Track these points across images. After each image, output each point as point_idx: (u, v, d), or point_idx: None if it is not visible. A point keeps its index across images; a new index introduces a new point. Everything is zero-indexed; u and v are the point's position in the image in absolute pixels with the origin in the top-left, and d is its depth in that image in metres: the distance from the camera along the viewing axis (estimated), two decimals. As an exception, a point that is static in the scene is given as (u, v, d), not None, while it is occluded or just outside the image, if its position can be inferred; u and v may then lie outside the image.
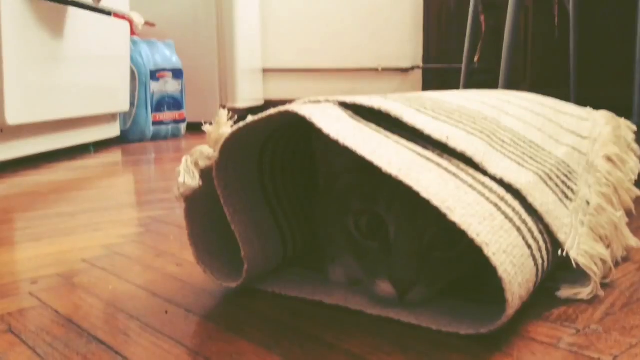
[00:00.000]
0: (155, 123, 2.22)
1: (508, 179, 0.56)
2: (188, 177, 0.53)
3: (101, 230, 0.84)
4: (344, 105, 0.58)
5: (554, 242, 0.56)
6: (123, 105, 2.04)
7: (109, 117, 1.99)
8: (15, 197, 1.15)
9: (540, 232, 0.54)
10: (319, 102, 0.58)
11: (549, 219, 0.56)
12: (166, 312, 0.53)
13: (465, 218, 0.47)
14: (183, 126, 2.36)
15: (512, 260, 0.47)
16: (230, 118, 0.57)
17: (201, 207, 0.59)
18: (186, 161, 0.54)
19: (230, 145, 0.55)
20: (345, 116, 0.55)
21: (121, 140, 2.09)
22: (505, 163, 0.59)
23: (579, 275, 0.57)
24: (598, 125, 0.91)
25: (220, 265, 0.59)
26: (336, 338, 0.48)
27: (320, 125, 0.50)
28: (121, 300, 0.56)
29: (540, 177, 0.61)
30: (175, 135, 2.32)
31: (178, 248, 0.73)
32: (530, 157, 0.65)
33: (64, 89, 1.62)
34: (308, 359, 0.44)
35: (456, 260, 0.53)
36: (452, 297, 0.55)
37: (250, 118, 0.53)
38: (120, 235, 0.80)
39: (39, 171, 1.45)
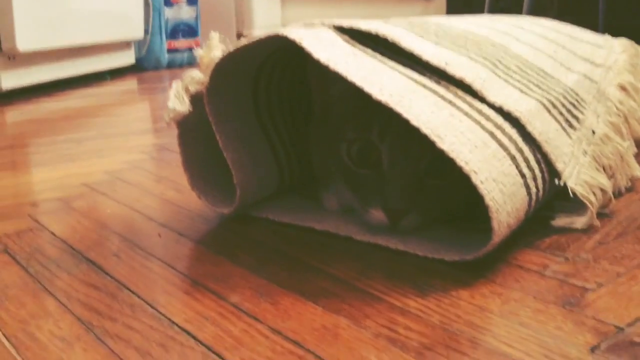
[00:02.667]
0: (170, 51, 2.20)
1: (507, 106, 0.54)
2: (177, 102, 0.53)
3: (106, 156, 0.85)
4: (340, 30, 0.56)
5: (552, 171, 0.55)
6: (137, 32, 2.02)
7: (123, 45, 1.98)
8: (25, 124, 1.16)
9: (537, 161, 0.53)
10: (313, 25, 0.56)
11: (547, 147, 0.55)
12: (159, 235, 0.54)
13: (454, 146, 0.46)
14: (199, 54, 2.33)
15: (502, 188, 0.47)
16: (222, 41, 0.56)
17: (195, 133, 0.58)
18: (177, 86, 0.54)
19: (222, 70, 0.54)
20: (339, 41, 0.54)
21: (137, 69, 2.08)
22: (507, 91, 0.58)
23: (577, 205, 0.57)
24: (614, 53, 0.88)
25: (215, 191, 0.60)
26: (323, 263, 0.48)
27: (310, 50, 0.49)
28: (116, 224, 0.57)
29: (544, 105, 0.60)
30: (190, 64, 2.30)
31: (179, 174, 0.73)
32: (536, 85, 0.63)
33: (75, 16, 1.61)
34: (293, 282, 0.45)
35: (451, 188, 0.52)
36: (444, 225, 0.55)
37: (240, 42, 0.52)
38: (123, 161, 0.81)
39: (51, 98, 1.46)
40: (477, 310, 0.40)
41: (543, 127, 0.56)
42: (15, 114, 1.25)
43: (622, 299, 0.41)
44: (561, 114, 0.62)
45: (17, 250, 0.50)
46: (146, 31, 2.11)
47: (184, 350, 0.35)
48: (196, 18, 2.31)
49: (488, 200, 0.45)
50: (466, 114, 0.51)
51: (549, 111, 0.60)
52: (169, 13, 2.18)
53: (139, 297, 0.42)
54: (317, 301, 0.42)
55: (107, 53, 1.86)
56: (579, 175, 0.57)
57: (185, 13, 2.25)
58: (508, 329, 0.38)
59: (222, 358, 0.35)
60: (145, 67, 2.14)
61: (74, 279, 0.45)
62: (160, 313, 0.40)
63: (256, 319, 0.39)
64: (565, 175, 0.55)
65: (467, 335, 0.37)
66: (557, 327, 0.38)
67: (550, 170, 0.55)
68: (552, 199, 0.59)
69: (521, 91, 0.59)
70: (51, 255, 0.49)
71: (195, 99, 0.55)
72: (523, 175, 0.50)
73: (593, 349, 0.35)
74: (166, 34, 2.18)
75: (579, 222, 0.55)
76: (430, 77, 0.54)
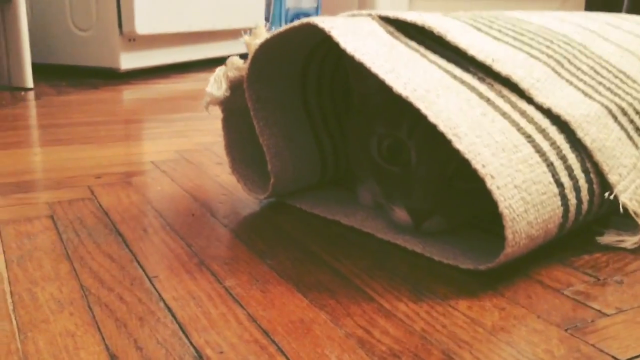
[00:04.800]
0: (288, 39, 2.25)
1: (557, 109, 0.50)
2: (215, 87, 0.54)
3: (186, 137, 0.89)
4: (386, 20, 0.55)
5: (605, 183, 0.50)
6: (257, 20, 2.08)
7: (244, 33, 2.05)
8: (131, 102, 1.24)
9: (585, 171, 0.49)
10: (357, 15, 0.55)
11: (599, 156, 0.50)
12: (193, 214, 0.56)
13: (474, 147, 0.43)
14: (317, 43, 2.36)
15: (524, 196, 0.43)
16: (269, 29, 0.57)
17: (240, 118, 0.60)
18: (218, 71, 0.55)
19: (262, 57, 0.55)
20: (380, 31, 0.53)
21: (255, 55, 2.15)
22: (565, 92, 0.53)
23: (635, 222, 0.51)
24: None
25: (256, 178, 0.61)
26: (332, 256, 0.47)
27: (339, 40, 0.48)
28: (160, 201, 0.59)
29: (609, 111, 0.55)
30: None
31: (242, 158, 0.75)
32: (608, 88, 0.58)
33: (196, 2, 1.69)
34: (293, 272, 0.45)
35: (479, 193, 0.50)
36: (472, 231, 0.52)
37: (279, 29, 0.52)
38: (198, 142, 0.85)
39: (167, 80, 1.55)
40: (467, 322, 0.38)
41: (599, 134, 0.52)
42: (129, 92, 1.34)
43: (637, 330, 0.37)
44: (632, 121, 0.56)
45: (61, 217, 0.54)
46: (266, 19, 2.17)
47: (157, 326, 0.37)
48: (317, 8, 2.34)
49: (502, 207, 0.42)
50: (504, 114, 0.48)
51: (615, 118, 0.55)
52: (289, 2, 2.23)
53: (144, 270, 0.44)
54: (307, 294, 0.41)
55: (226, 40, 1.94)
56: (637, 189, 0.52)
57: (306, 3, 2.29)
58: (491, 346, 0.35)
59: (188, 338, 0.36)
60: (263, 54, 2.21)
61: (96, 248, 0.48)
62: (155, 288, 0.42)
63: (240, 304, 0.40)
64: (618, 188, 0.50)
65: (442, 347, 0.35)
66: (546, 350, 0.35)
67: (602, 182, 0.50)
68: (609, 214, 0.54)
69: (584, 94, 0.55)
70: (88, 225, 0.53)
71: (239, 84, 0.56)
72: (560, 185, 0.46)
73: (574, 379, 0.32)
74: (286, 22, 2.23)
75: (629, 241, 0.50)
76: (474, 74, 0.51)
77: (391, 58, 0.48)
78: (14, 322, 0.37)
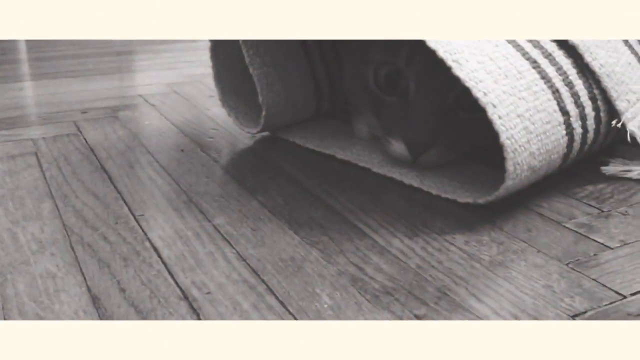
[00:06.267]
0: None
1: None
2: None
3: (176, 68, 0.86)
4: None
5: (614, 111, 0.48)
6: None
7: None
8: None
9: (592, 98, 0.46)
10: None
11: (608, 82, 0.47)
12: (182, 150, 0.54)
13: (475, 74, 0.41)
14: None
15: (527, 126, 0.41)
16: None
17: (229, 47, 0.57)
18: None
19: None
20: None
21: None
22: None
23: (641, 152, 0.49)
24: None
25: (248, 110, 0.58)
26: (326, 192, 0.46)
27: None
28: (148, 136, 0.57)
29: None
30: None
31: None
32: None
33: None
34: (284, 209, 0.43)
35: (480, 123, 0.47)
36: (473, 163, 0.50)
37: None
38: (189, 74, 0.82)
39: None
40: (464, 258, 0.36)
41: (609, 58, 0.49)
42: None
43: (642, 264, 0.36)
44: (644, 45, 0.53)
45: (45, 154, 0.52)
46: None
47: (142, 267, 0.35)
48: None
49: (504, 138, 0.40)
50: (512, 42, 0.45)
51: (626, 40, 0.52)
52: None
53: (129, 209, 0.43)
54: (298, 231, 0.40)
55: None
56: (646, 117, 0.49)
57: None
58: (488, 282, 0.34)
59: (173, 278, 0.34)
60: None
61: (81, 186, 0.46)
62: (140, 227, 0.40)
63: (229, 242, 0.38)
64: (626, 115, 0.48)
65: (438, 284, 0.34)
66: (546, 285, 0.33)
67: (610, 109, 0.48)
68: (615, 143, 0.52)
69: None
70: (72, 162, 0.51)
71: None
72: (565, 113, 0.44)
73: (575, 316, 0.31)
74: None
75: (636, 171, 0.48)
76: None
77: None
78: (-6, 264, 0.36)
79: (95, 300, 0.32)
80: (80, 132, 0.58)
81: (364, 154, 0.52)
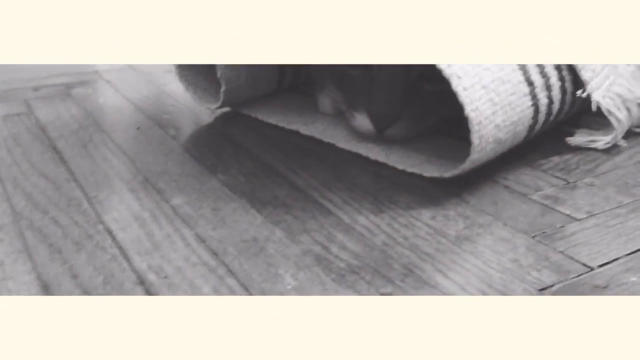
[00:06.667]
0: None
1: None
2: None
3: (134, 44, 0.83)
4: None
5: (579, 81, 0.47)
6: None
7: None
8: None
9: (557, 68, 0.46)
10: None
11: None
12: (138, 128, 0.52)
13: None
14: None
15: (492, 97, 0.40)
16: None
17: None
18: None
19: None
20: None
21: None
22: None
23: (607, 121, 0.49)
24: None
25: (207, 85, 0.56)
26: (290, 169, 0.44)
27: None
28: (102, 114, 0.55)
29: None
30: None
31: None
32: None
33: None
34: (247, 187, 0.41)
35: (445, 95, 0.46)
36: (439, 137, 0.49)
37: None
38: (147, 50, 0.79)
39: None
40: (430, 233, 0.36)
41: (573, 27, 0.48)
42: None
43: (609, 235, 0.35)
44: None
45: (-7, 135, 0.50)
46: None
47: (95, 251, 0.34)
48: None
49: (469, 110, 0.39)
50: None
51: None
52: None
53: (82, 190, 0.41)
54: (261, 210, 0.38)
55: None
56: (612, 87, 0.49)
57: None
58: (455, 257, 0.33)
59: (129, 262, 0.33)
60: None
61: (31, 167, 0.44)
62: (94, 209, 0.38)
63: (187, 224, 0.37)
64: (591, 85, 0.48)
65: (404, 261, 0.33)
66: (513, 259, 0.33)
67: (575, 79, 0.47)
68: (580, 113, 0.52)
69: None
70: (23, 142, 0.48)
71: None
72: (531, 83, 0.43)
73: (542, 290, 0.30)
74: None
75: (601, 141, 0.48)
76: None
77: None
78: (-64, 252, 0.34)
79: (45, 288, 0.31)
80: (32, 111, 0.55)
81: (328, 129, 0.51)
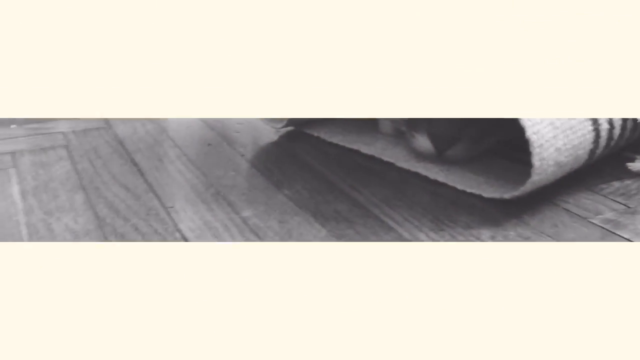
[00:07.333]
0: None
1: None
2: None
3: (202, 64, 0.86)
4: None
5: None
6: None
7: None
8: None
9: (619, 94, 0.46)
10: None
11: (634, 79, 0.47)
12: (209, 144, 0.55)
13: (501, 69, 0.41)
14: None
15: (554, 121, 0.41)
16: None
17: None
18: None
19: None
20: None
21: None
22: None
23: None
24: None
25: (273, 104, 0.59)
26: (351, 186, 0.46)
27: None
28: (177, 130, 0.58)
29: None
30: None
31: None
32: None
33: None
34: (310, 203, 0.43)
35: (506, 118, 0.47)
36: (496, 159, 0.50)
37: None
38: (214, 70, 0.82)
39: None
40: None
41: (635, 54, 0.48)
42: None
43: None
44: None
45: (76, 147, 0.54)
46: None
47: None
48: None
49: (530, 133, 0.40)
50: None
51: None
52: None
53: (159, 200, 0.44)
54: (325, 224, 0.40)
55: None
56: (674, 113, 0.49)
57: None
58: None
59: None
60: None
61: (112, 178, 0.47)
62: (171, 218, 0.41)
63: (256, 234, 0.39)
64: (653, 111, 0.48)
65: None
66: (572, 281, 0.34)
67: (637, 105, 0.48)
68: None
69: None
70: (103, 155, 0.52)
71: None
72: (591, 109, 0.44)
73: (601, 311, 0.31)
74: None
75: (662, 168, 0.48)
76: None
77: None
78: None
79: (128, 289, 0.33)
80: (110, 126, 0.59)
81: (388, 148, 0.53)
